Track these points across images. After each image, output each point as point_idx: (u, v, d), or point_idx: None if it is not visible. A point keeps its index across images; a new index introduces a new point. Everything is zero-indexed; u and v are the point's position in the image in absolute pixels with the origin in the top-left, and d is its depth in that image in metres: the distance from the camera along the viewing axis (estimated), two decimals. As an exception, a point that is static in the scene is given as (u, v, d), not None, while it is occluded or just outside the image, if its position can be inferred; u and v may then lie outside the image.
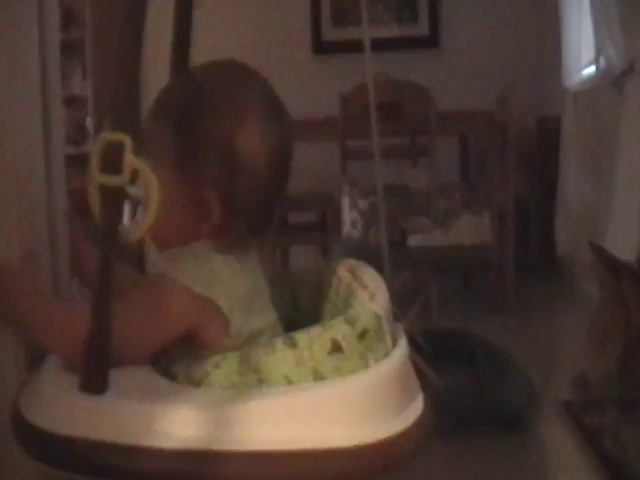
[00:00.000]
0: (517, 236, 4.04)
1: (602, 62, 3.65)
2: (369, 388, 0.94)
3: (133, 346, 0.94)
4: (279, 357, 0.93)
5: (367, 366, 0.96)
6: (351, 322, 0.97)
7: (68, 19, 5.23)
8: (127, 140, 0.85)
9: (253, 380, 0.93)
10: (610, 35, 3.44)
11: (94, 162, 0.85)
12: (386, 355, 0.99)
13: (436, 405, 1.04)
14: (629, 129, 3.31)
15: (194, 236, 1.05)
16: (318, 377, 0.94)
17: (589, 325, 2.92)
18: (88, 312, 0.86)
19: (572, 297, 4.06)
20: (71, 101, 5.21)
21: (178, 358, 0.97)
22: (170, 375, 0.95)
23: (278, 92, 1.09)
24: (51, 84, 1.30)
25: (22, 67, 1.23)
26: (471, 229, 2.68)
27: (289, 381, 0.93)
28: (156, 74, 1.26)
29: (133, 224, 0.98)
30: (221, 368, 0.94)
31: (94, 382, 0.88)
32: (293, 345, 0.94)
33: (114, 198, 0.86)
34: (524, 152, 4.49)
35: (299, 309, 1.19)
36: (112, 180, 0.85)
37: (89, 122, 5.30)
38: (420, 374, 1.06)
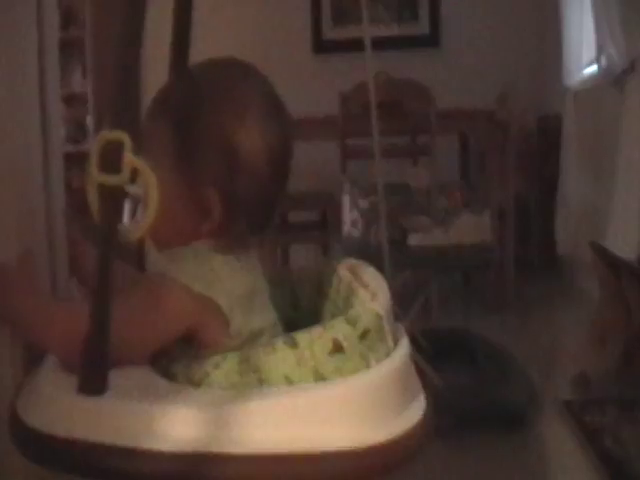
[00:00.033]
0: (517, 235, 4.04)
1: (603, 61, 3.65)
2: (370, 389, 0.93)
3: (133, 345, 0.93)
4: (279, 357, 0.93)
5: (368, 366, 0.96)
6: (352, 322, 0.96)
7: (68, 18, 5.24)
8: (126, 139, 0.84)
9: (253, 380, 0.92)
10: (611, 34, 3.44)
11: (93, 161, 0.84)
12: (387, 355, 0.99)
13: (436, 404, 1.03)
14: (630, 128, 3.30)
15: (194, 235, 1.04)
16: (319, 377, 0.93)
17: (589, 324, 2.92)
18: (87, 312, 0.86)
19: (572, 296, 4.06)
20: (71, 99, 5.22)
21: (178, 358, 0.97)
22: (170, 375, 0.95)
23: (279, 91, 1.09)
24: (50, 83, 1.30)
25: (21, 67, 1.22)
26: (471, 228, 2.68)
27: (290, 381, 0.92)
28: (156, 74, 1.25)
29: (133, 223, 0.98)
30: (221, 368, 0.93)
31: (93, 383, 0.87)
32: (294, 345, 0.93)
33: (113, 197, 0.85)
34: (524, 151, 4.49)
35: (299, 308, 1.18)
36: (111, 179, 0.84)
37: (89, 120, 5.30)
38: (421, 373, 1.06)
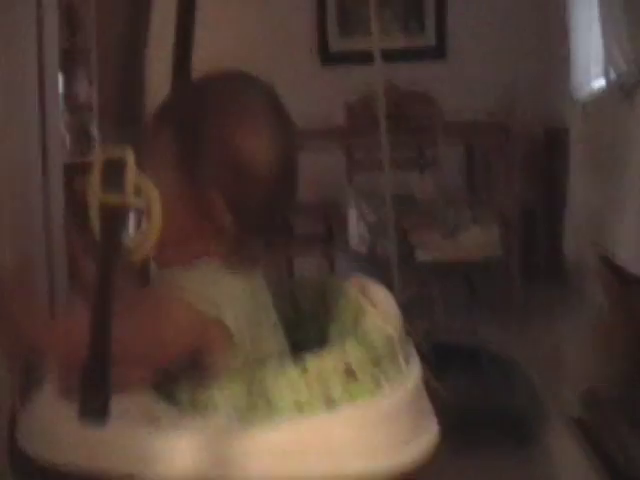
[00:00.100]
0: (524, 244, 4.03)
1: (612, 73, 3.64)
2: (383, 417, 0.91)
3: (139, 360, 0.91)
4: (289, 382, 0.90)
5: (380, 387, 0.93)
6: (364, 344, 0.94)
7: (74, 26, 5.24)
8: (129, 155, 0.82)
9: (261, 404, 0.90)
10: (619, 46, 3.43)
11: (95, 178, 0.82)
12: (399, 373, 0.96)
13: (441, 415, 1.01)
14: (639, 140, 3.29)
15: (199, 252, 1.02)
16: (329, 402, 0.90)
17: (595, 333, 2.90)
18: (87, 314, 0.83)
19: (579, 305, 4.04)
20: (77, 108, 5.22)
21: (183, 381, 0.94)
22: (174, 399, 0.92)
23: (285, 101, 1.07)
24: (50, 84, 1.28)
25: (21, 67, 1.21)
26: (479, 242, 2.66)
27: (299, 406, 0.90)
28: (157, 75, 1.24)
29: (136, 236, 0.95)
30: (227, 391, 0.91)
31: (94, 407, 0.84)
32: (304, 370, 0.91)
33: (115, 217, 0.83)
34: (531, 162, 4.48)
35: (299, 310, 1.16)
36: (113, 198, 0.82)
37: (95, 129, 5.30)
38: (427, 384, 1.03)
